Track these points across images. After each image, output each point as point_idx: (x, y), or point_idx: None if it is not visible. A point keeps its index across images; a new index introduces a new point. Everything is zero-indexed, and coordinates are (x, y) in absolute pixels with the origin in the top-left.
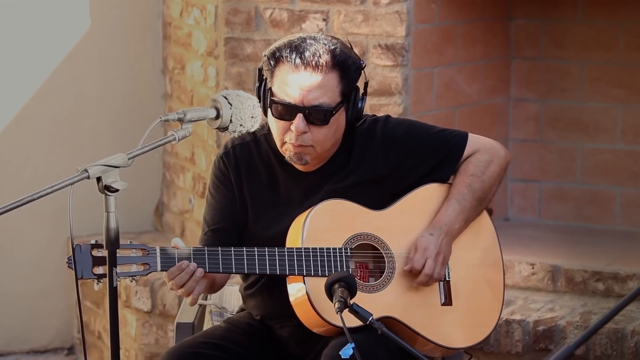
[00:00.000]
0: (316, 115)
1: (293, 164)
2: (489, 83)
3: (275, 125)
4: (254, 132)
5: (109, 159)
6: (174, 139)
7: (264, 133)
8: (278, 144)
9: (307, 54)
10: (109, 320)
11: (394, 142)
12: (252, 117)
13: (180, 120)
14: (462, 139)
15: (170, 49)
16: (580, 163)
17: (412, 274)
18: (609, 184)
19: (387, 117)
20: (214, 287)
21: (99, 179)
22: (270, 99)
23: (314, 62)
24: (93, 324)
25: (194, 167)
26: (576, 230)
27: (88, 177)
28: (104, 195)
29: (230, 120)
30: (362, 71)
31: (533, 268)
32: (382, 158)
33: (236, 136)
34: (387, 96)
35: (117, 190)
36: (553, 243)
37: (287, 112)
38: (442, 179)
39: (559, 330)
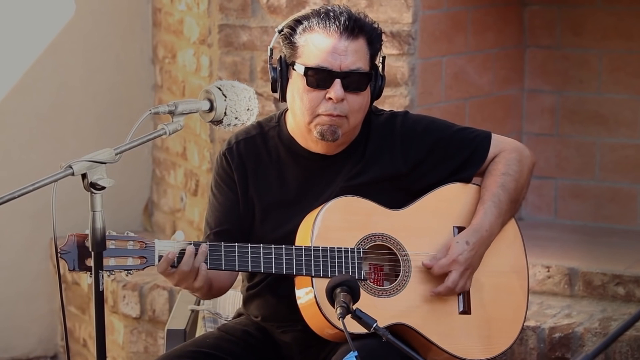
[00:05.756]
0: (354, 80)
1: (321, 140)
2: (501, 73)
3: (307, 97)
4: (260, 125)
5: (95, 154)
6: (165, 133)
7: (273, 125)
8: (306, 119)
9: (342, 18)
10: (94, 326)
11: (413, 139)
12: (248, 109)
13: (171, 112)
14: (485, 138)
15: (160, 36)
16: (599, 159)
17: (429, 277)
18: (630, 181)
19: (406, 112)
20: (212, 290)
21: (84, 176)
22: (305, 67)
23: (349, 27)
24: (78, 331)
25: (185, 163)
26: (595, 230)
27: (72, 174)
28: (89, 193)
29: (225, 112)
30: (380, 45)
31: (549, 271)
32: (401, 155)
33: (232, 130)
34: (392, 87)
35: (103, 188)
36: (570, 244)
37: (323, 79)
38: (464, 181)
39: (577, 337)
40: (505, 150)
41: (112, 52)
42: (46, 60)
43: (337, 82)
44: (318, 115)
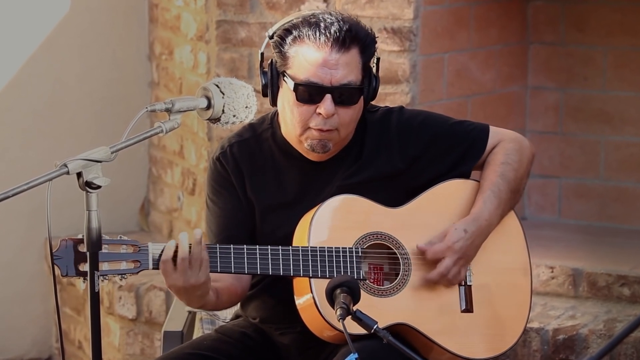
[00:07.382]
0: (345, 95)
1: (312, 152)
2: (504, 70)
3: (297, 111)
4: (253, 128)
5: (90, 152)
6: (161, 131)
7: (266, 128)
8: (297, 131)
9: (332, 29)
10: (90, 328)
11: (410, 135)
12: (246, 107)
13: (168, 110)
14: (482, 131)
15: (157, 33)
16: (604, 157)
17: (428, 269)
18: (635, 180)
19: (401, 108)
20: (220, 298)
21: (79, 175)
22: (295, 83)
23: (340, 39)
24: (73, 333)
25: (183, 162)
26: (599, 230)
27: (68, 173)
28: (85, 192)
29: (223, 110)
30: (374, 49)
31: (552, 271)
32: (398, 151)
33: (229, 128)
34: (393, 84)
35: (99, 187)
36: (574, 244)
37: (314, 94)
38: (464, 176)
39: (581, 339)
40: (504, 140)
41: (108, 49)
42: (41, 56)
43: (328, 97)
44: (308, 128)
